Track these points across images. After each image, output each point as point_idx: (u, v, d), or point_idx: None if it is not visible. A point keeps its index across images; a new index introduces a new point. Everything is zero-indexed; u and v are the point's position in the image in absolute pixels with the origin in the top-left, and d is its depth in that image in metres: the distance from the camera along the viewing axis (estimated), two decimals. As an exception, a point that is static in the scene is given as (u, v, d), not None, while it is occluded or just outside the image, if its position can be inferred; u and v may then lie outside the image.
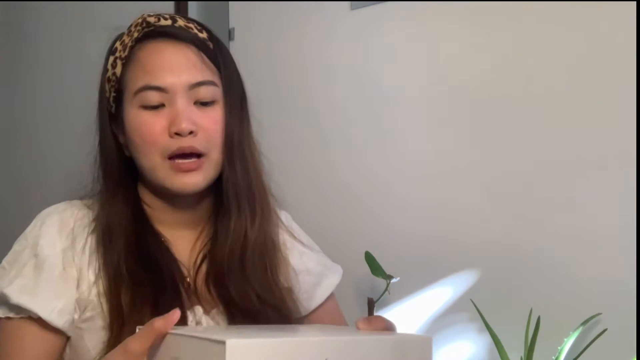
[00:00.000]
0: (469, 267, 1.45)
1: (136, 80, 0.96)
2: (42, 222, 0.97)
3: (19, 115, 2.50)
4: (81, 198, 1.02)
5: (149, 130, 0.95)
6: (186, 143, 0.94)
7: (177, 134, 0.94)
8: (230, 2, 1.86)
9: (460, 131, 1.49)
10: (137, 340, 0.70)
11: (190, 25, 1.00)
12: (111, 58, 1.00)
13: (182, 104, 0.95)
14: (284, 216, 1.13)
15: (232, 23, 1.85)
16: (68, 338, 0.95)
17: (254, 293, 0.98)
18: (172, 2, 1.97)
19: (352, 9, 1.65)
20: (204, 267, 1.01)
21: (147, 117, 0.95)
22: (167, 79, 0.95)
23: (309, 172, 1.71)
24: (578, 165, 1.34)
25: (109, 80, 1.00)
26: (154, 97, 0.95)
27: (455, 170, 1.49)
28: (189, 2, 1.96)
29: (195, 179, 0.96)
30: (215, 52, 1.00)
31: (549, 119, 1.38)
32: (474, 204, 1.46)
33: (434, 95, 1.53)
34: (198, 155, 0.95)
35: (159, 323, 0.69)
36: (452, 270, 1.47)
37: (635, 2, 1.27)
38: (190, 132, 0.94)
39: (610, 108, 1.31)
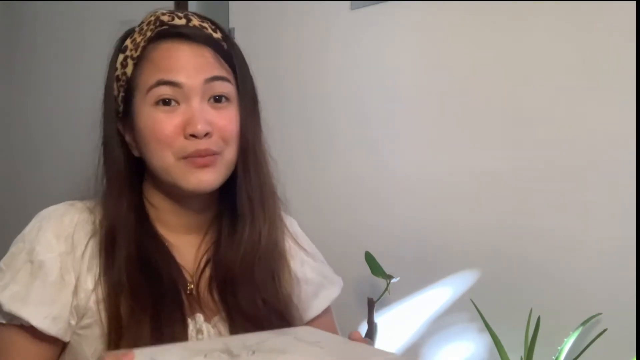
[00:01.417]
0: (469, 267, 1.45)
1: (149, 78, 0.94)
2: (39, 226, 0.94)
3: (18, 114, 2.50)
4: (82, 199, 1.00)
5: (162, 130, 0.92)
6: (202, 145, 0.92)
7: (192, 135, 0.92)
8: (230, 2, 1.86)
9: (461, 131, 1.49)
10: None
11: (205, 24, 0.98)
12: (121, 56, 0.98)
13: (197, 103, 0.92)
14: (289, 222, 1.11)
15: (232, 23, 1.85)
16: (65, 344, 0.93)
17: (260, 299, 0.96)
18: (172, 2, 1.97)
19: (352, 8, 1.65)
20: (207, 272, 0.99)
21: (161, 116, 0.93)
22: (182, 75, 0.92)
23: (309, 172, 1.71)
24: (578, 165, 1.34)
25: (117, 78, 0.98)
26: (167, 92, 0.92)
27: (455, 171, 1.49)
28: (189, 2, 1.96)
29: (210, 176, 0.93)
30: (230, 52, 0.98)
31: (548, 119, 1.38)
32: (475, 204, 1.46)
33: (434, 95, 1.53)
34: (213, 153, 0.93)
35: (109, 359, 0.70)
36: (452, 270, 1.47)
37: (635, 2, 1.27)
38: (206, 134, 0.92)
39: (610, 108, 1.31)
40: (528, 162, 1.40)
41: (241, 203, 0.98)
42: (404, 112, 1.58)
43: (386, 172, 1.60)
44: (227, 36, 1.01)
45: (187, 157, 0.92)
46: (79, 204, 0.99)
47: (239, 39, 1.83)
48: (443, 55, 1.52)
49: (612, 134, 1.30)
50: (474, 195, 1.47)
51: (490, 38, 1.46)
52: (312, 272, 1.09)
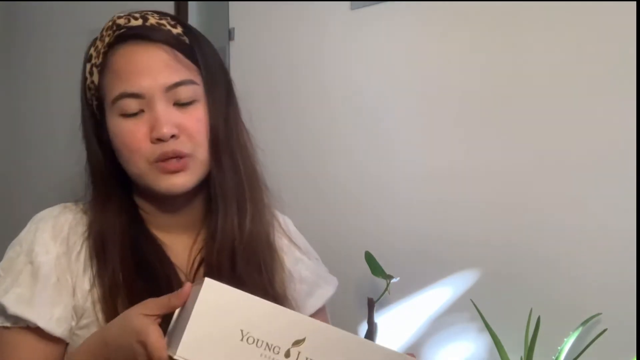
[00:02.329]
0: (469, 267, 1.45)
1: (112, 88, 0.94)
2: (36, 228, 0.95)
3: (16, 116, 2.50)
4: (76, 201, 1.00)
5: (130, 138, 0.93)
6: (169, 147, 0.92)
7: (158, 139, 0.91)
8: (230, 2, 1.86)
9: (460, 131, 1.49)
10: (155, 305, 0.79)
11: (163, 21, 0.97)
12: (88, 65, 0.98)
13: (161, 107, 0.92)
14: (284, 220, 1.11)
15: (232, 23, 1.85)
16: (66, 345, 0.94)
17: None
18: (172, 2, 1.97)
19: (352, 9, 1.65)
20: (201, 271, 0.99)
21: (128, 125, 0.93)
22: (142, 84, 0.92)
23: (308, 172, 1.71)
24: (578, 165, 1.34)
25: (89, 88, 0.98)
26: (132, 105, 0.92)
27: (455, 170, 1.49)
28: (189, 2, 1.96)
29: (182, 179, 0.94)
30: (192, 46, 0.97)
31: (549, 118, 1.38)
32: (474, 203, 1.46)
33: (433, 95, 1.53)
34: (181, 155, 0.93)
35: (175, 302, 0.78)
36: (452, 270, 1.47)
37: (635, 2, 1.27)
38: (172, 136, 0.92)
39: (610, 108, 1.31)
40: (528, 162, 1.40)
41: (215, 199, 0.98)
42: (403, 111, 1.58)
43: (386, 171, 1.60)
44: (190, 30, 0.99)
45: (158, 161, 0.93)
46: (72, 206, 1.00)
47: (239, 39, 1.84)
48: (443, 55, 1.52)
49: (612, 134, 1.30)
50: (473, 195, 1.47)
51: (489, 37, 1.46)
52: (306, 271, 1.09)
